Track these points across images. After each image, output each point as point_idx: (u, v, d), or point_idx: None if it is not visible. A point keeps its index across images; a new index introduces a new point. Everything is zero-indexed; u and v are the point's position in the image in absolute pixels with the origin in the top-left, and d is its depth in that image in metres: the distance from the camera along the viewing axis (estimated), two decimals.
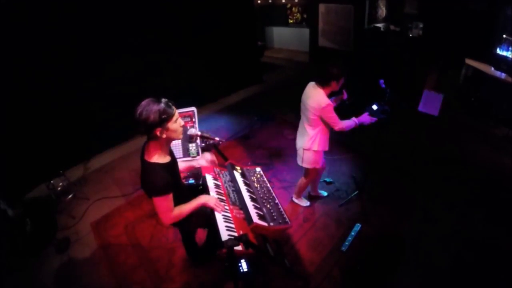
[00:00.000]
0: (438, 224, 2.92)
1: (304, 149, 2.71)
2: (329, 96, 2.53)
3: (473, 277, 2.42)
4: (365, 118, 2.61)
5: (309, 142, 2.65)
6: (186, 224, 2.03)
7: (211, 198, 1.91)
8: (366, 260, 2.48)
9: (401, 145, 4.25)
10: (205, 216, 2.02)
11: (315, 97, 2.44)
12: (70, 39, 3.88)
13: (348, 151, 4.16)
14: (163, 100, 1.60)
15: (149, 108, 1.53)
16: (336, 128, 2.51)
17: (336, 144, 2.80)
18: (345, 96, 2.68)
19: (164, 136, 1.61)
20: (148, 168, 1.67)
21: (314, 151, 2.67)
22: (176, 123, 1.65)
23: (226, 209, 1.92)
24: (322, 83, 2.45)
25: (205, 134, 1.93)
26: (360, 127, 2.60)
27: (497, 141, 4.29)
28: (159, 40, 4.93)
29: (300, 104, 2.68)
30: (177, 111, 1.66)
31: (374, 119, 2.63)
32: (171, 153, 1.83)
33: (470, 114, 4.99)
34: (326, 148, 2.73)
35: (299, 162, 2.85)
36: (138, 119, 1.53)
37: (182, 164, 2.11)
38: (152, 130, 1.56)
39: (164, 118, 1.56)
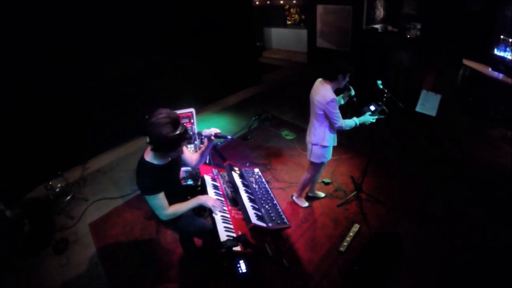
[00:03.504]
0: (438, 224, 2.94)
1: (313, 144, 2.73)
2: (337, 93, 2.56)
3: (473, 277, 2.42)
4: (366, 118, 2.64)
5: (317, 137, 2.68)
6: (184, 234, 2.04)
7: (209, 198, 1.91)
8: (364, 260, 2.48)
9: (400, 145, 4.27)
10: (203, 229, 2.03)
11: (322, 92, 2.49)
12: (70, 39, 3.88)
13: (346, 151, 4.18)
14: (180, 129, 1.49)
15: (160, 129, 1.45)
16: (336, 125, 2.54)
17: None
18: (352, 92, 2.70)
19: (156, 150, 1.59)
20: (140, 166, 1.67)
21: (323, 146, 2.70)
22: (175, 153, 1.64)
23: (225, 209, 1.93)
24: (329, 78, 2.50)
25: (218, 134, 1.96)
26: (359, 126, 2.63)
27: (495, 141, 4.31)
28: (159, 40, 4.94)
29: (309, 101, 2.69)
30: (186, 149, 1.63)
31: (374, 118, 2.66)
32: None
33: (468, 115, 5.01)
34: (335, 144, 2.77)
35: (308, 156, 2.88)
36: (147, 125, 1.46)
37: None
38: (149, 142, 1.53)
39: (165, 148, 1.53)
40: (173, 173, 1.88)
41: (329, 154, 2.80)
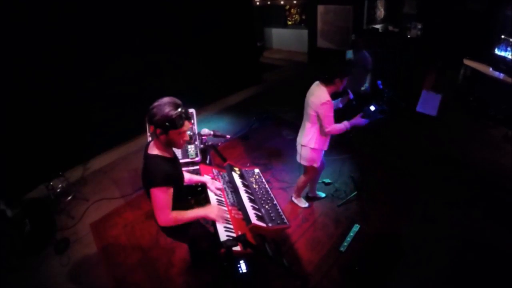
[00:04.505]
0: (438, 224, 2.93)
1: (302, 145, 2.71)
2: (335, 97, 2.53)
3: (473, 277, 2.43)
4: (358, 120, 2.58)
5: (307, 139, 2.65)
6: (183, 238, 2.02)
7: (213, 209, 1.82)
8: (365, 260, 2.48)
9: (400, 145, 4.26)
10: (204, 230, 2.02)
11: (317, 93, 2.47)
12: (70, 39, 3.89)
13: (347, 151, 4.17)
14: (181, 109, 1.60)
15: (162, 108, 1.56)
16: (326, 129, 2.49)
17: (335, 144, 2.80)
18: (351, 95, 2.68)
19: (162, 138, 1.63)
20: (148, 160, 1.68)
21: (311, 148, 2.66)
22: (179, 136, 1.66)
23: (225, 210, 1.93)
24: (326, 82, 2.46)
25: (217, 133, 1.98)
26: (356, 128, 2.61)
27: (496, 141, 4.30)
28: (159, 40, 4.94)
29: (304, 102, 2.68)
30: (188, 127, 1.66)
31: (367, 120, 2.60)
32: (174, 154, 1.84)
33: (468, 114, 5.01)
34: (325, 148, 2.72)
35: (298, 159, 2.86)
36: (149, 110, 1.59)
37: (186, 175, 2.10)
38: (153, 126, 1.60)
39: (168, 126, 1.57)
40: (178, 167, 1.88)
41: (319, 158, 2.75)
